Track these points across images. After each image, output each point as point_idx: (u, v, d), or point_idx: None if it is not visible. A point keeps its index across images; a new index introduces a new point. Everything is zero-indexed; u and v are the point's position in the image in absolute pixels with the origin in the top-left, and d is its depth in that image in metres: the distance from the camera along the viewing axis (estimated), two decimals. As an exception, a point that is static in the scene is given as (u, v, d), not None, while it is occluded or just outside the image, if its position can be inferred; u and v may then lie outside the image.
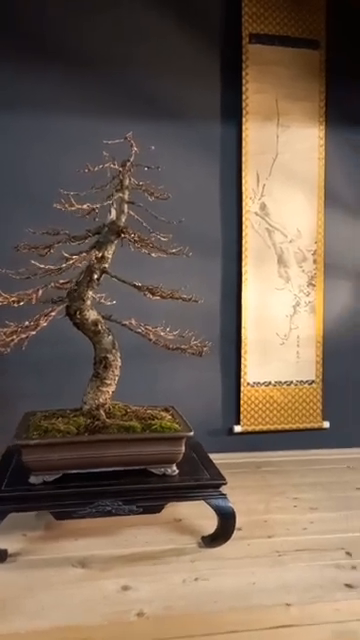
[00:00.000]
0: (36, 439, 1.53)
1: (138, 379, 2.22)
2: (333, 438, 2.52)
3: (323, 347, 2.51)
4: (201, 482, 1.61)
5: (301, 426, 2.50)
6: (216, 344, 2.41)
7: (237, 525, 1.63)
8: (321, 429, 2.52)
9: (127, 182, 1.64)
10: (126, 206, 1.64)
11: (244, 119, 2.38)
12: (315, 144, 2.46)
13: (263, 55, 2.38)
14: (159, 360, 2.16)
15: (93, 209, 1.60)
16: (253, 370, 2.46)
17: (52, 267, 1.53)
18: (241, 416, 2.45)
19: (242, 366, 2.44)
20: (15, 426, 1.66)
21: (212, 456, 1.81)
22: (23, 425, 1.65)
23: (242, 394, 2.45)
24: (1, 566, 1.54)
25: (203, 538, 1.67)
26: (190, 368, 2.29)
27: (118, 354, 1.70)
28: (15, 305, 1.47)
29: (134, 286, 1.64)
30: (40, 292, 1.51)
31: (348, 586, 1.45)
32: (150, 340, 1.64)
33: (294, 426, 2.49)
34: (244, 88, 2.37)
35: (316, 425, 2.51)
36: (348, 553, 1.62)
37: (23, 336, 1.47)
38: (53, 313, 1.54)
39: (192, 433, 1.62)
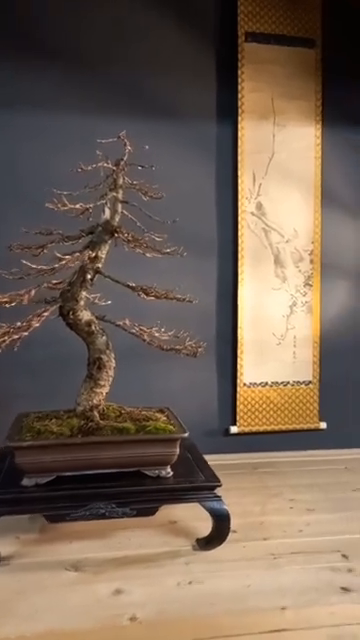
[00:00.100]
0: (29, 441, 1.51)
1: (133, 380, 2.20)
2: (330, 439, 2.51)
3: (320, 347, 2.50)
4: (196, 484, 1.59)
5: (298, 427, 2.49)
6: (212, 344, 2.40)
7: (232, 527, 1.62)
8: (318, 430, 2.50)
9: (121, 181, 1.62)
10: (120, 206, 1.63)
11: (240, 118, 2.37)
12: (311, 143, 2.45)
13: (259, 54, 2.37)
14: (155, 361, 2.14)
15: (87, 209, 1.58)
16: (249, 370, 2.44)
17: (45, 267, 1.51)
18: (237, 417, 2.44)
19: (238, 366, 2.43)
20: (8, 427, 1.64)
21: (208, 457, 1.80)
22: (16, 426, 1.63)
23: (238, 395, 2.43)
24: (-6, 569, 1.52)
25: (198, 541, 1.65)
26: (186, 369, 2.28)
27: (112, 355, 1.69)
28: (7, 306, 1.46)
29: (128, 286, 1.63)
30: (32, 292, 1.50)
31: (344, 589, 1.43)
32: (144, 341, 1.63)
33: (291, 427, 2.48)
34: (240, 87, 2.36)
35: (313, 426, 2.49)
36: (344, 556, 1.61)
37: (15, 337, 1.46)
38: (46, 313, 1.52)
39: (187, 434, 1.60)
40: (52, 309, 1.56)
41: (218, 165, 2.41)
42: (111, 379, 1.69)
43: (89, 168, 1.54)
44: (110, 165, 1.59)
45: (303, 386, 2.49)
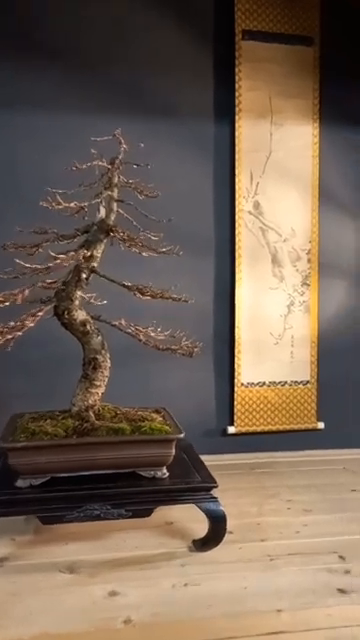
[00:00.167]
0: (23, 442, 1.50)
1: (131, 380, 2.19)
2: (328, 439, 2.50)
3: (318, 347, 2.49)
4: (191, 485, 1.58)
5: (295, 427, 2.47)
6: (209, 344, 2.39)
7: (229, 528, 1.61)
8: (316, 430, 2.49)
9: (116, 180, 1.61)
10: (115, 204, 1.62)
11: (237, 117, 2.36)
12: (309, 142, 2.44)
13: (256, 52, 2.36)
14: (152, 361, 2.12)
15: (82, 207, 1.57)
16: (247, 370, 2.43)
17: (39, 266, 1.49)
18: (235, 417, 2.42)
19: (236, 366, 2.42)
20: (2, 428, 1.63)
21: (205, 458, 1.79)
22: (10, 427, 1.62)
23: (236, 395, 2.42)
24: (-12, 571, 1.51)
25: (194, 542, 1.64)
26: (183, 369, 2.26)
27: (108, 355, 1.67)
28: (0, 305, 1.44)
29: (123, 285, 1.62)
30: (27, 292, 1.48)
31: (341, 591, 1.42)
32: (140, 340, 1.61)
33: (288, 427, 2.47)
34: (237, 85, 2.35)
35: (311, 426, 2.48)
36: (341, 557, 1.59)
37: (9, 337, 1.44)
38: (40, 313, 1.51)
39: (182, 435, 1.59)
40: (47, 309, 1.55)
41: (215, 164, 2.40)
42: (107, 379, 1.68)
43: (84, 166, 1.53)
44: (105, 164, 1.57)
45: (301, 386, 2.48)
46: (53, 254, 1.50)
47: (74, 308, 1.60)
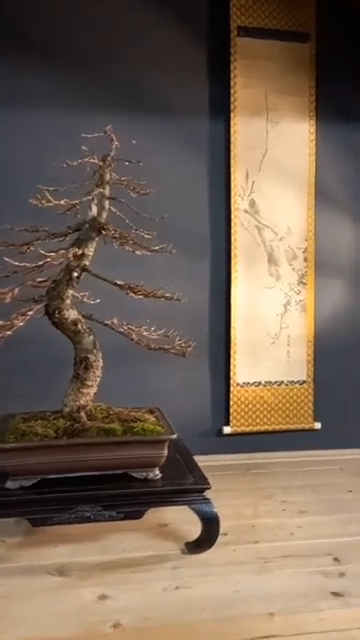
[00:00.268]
0: (12, 443, 1.48)
1: (126, 380, 2.18)
2: (324, 439, 2.48)
3: (314, 346, 2.46)
4: (184, 486, 1.56)
5: (292, 427, 2.45)
6: (205, 344, 2.37)
7: (223, 530, 1.59)
8: (312, 430, 2.47)
9: (107, 177, 1.59)
10: (107, 202, 1.60)
11: (232, 114, 2.34)
12: (305, 139, 2.41)
13: (251, 49, 2.33)
14: (147, 360, 2.09)
15: (73, 205, 1.55)
16: (243, 370, 2.41)
17: (28, 265, 1.47)
18: (231, 417, 2.40)
19: (231, 366, 2.39)
20: None
21: (201, 458, 1.77)
22: (1, 428, 1.59)
23: (232, 394, 2.40)
24: (-23, 574, 1.49)
25: (187, 544, 1.62)
26: (179, 368, 2.24)
27: (100, 354, 1.65)
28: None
29: (115, 284, 1.59)
30: (16, 291, 1.46)
31: (335, 594, 1.40)
32: (132, 340, 1.59)
33: (285, 427, 2.45)
34: (232, 82, 2.32)
35: (307, 426, 2.46)
36: (336, 559, 1.57)
37: (-2, 336, 1.42)
38: (30, 312, 1.49)
39: (175, 436, 1.57)
40: (37, 308, 1.53)
41: (210, 162, 2.38)
42: (99, 379, 1.66)
43: (74, 163, 1.51)
44: (96, 161, 1.55)
45: (297, 386, 2.46)
46: (43, 252, 1.48)
47: (65, 307, 1.58)
